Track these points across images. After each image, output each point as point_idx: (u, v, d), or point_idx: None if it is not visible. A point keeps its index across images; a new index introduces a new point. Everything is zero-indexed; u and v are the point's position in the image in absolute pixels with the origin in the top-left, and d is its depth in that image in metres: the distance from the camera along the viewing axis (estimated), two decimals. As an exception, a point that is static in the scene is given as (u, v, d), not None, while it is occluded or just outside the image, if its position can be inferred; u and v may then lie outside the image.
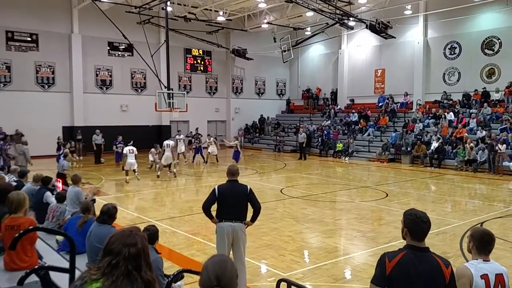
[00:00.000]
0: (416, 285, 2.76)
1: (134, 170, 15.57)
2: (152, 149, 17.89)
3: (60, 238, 6.36)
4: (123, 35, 19.99)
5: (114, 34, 21.35)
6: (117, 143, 19.58)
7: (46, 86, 23.98)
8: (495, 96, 22.14)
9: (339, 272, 6.70)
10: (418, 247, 2.84)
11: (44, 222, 7.23)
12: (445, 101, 23.71)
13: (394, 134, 22.84)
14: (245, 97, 32.19)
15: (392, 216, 10.30)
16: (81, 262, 4.41)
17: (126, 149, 15.91)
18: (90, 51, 24.88)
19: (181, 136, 21.06)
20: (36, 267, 4.01)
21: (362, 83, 28.44)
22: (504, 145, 17.66)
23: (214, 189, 5.70)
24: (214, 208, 5.73)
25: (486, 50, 22.84)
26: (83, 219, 5.98)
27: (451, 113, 22.18)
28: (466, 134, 20.11)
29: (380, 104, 26.68)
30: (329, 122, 27.65)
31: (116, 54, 26.23)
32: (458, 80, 24.09)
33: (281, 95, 34.39)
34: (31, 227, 4.22)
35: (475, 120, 21.00)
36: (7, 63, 22.70)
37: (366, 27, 22.72)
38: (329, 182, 16.29)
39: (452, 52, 24.20)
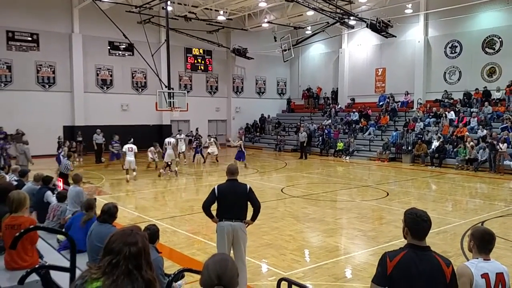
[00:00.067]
0: (417, 284, 2.76)
1: (133, 169, 15.56)
2: (151, 148, 17.85)
3: (61, 237, 6.36)
4: (124, 35, 20.04)
5: (115, 33, 21.41)
6: (113, 142, 18.75)
7: (47, 86, 23.99)
8: (496, 95, 22.12)
9: (339, 271, 6.70)
10: (419, 246, 2.84)
11: (45, 222, 7.24)
12: (446, 100, 23.69)
13: (394, 133, 22.80)
14: (246, 97, 32.16)
15: (392, 215, 10.29)
16: (82, 261, 4.40)
17: (125, 147, 15.79)
18: (91, 50, 24.89)
19: (182, 136, 21.06)
20: (36, 266, 4.02)
21: (362, 82, 28.41)
22: (505, 144, 17.62)
23: (214, 188, 5.70)
24: (214, 208, 5.72)
25: (487, 49, 22.80)
26: (87, 216, 5.97)
27: (452, 112, 22.16)
28: (467, 133, 20.06)
29: (381, 103, 26.64)
30: (329, 121, 27.61)
31: (117, 54, 26.23)
32: (459, 79, 24.06)
33: (281, 94, 34.37)
34: (31, 226, 4.22)
35: (476, 119, 20.97)
36: (7, 63, 22.72)
37: (367, 26, 22.71)
38: (329, 181, 16.27)
39: (453, 51, 24.17)
